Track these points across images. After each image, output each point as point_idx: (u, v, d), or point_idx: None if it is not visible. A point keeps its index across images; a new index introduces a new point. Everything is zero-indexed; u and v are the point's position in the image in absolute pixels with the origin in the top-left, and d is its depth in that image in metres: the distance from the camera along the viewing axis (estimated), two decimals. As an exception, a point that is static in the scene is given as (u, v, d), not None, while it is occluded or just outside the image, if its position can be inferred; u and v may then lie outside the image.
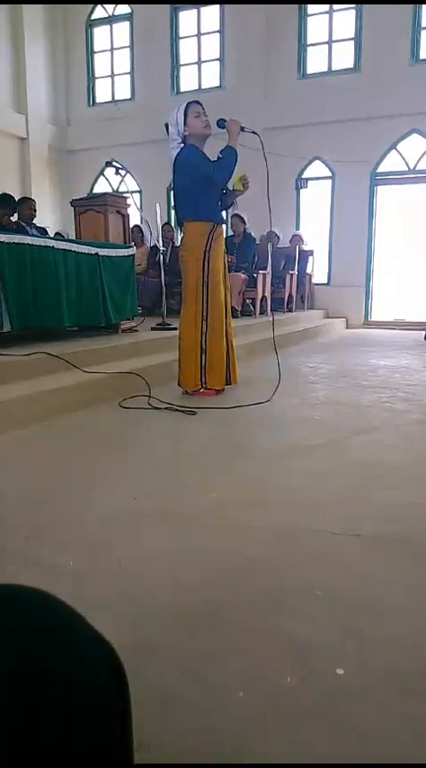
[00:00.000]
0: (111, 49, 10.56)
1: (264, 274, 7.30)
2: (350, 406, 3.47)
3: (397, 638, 1.23)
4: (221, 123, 3.49)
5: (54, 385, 3.23)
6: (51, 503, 1.98)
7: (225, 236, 3.96)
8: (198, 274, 3.57)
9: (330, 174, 9.19)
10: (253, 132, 3.50)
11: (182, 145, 3.48)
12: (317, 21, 8.98)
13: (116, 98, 10.58)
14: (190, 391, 3.69)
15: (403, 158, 8.75)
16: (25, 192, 9.08)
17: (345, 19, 8.77)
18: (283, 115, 8.94)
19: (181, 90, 9.96)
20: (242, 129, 3.47)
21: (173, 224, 8.08)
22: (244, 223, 7.33)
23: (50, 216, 9.97)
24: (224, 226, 3.74)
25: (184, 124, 3.44)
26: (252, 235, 7.53)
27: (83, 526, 1.78)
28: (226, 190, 3.65)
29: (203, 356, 3.64)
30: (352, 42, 8.73)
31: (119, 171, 5.88)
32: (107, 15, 10.49)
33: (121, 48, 10.42)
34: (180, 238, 3.91)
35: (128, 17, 10.20)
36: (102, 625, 0.51)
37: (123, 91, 10.52)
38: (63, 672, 0.44)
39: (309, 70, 9.12)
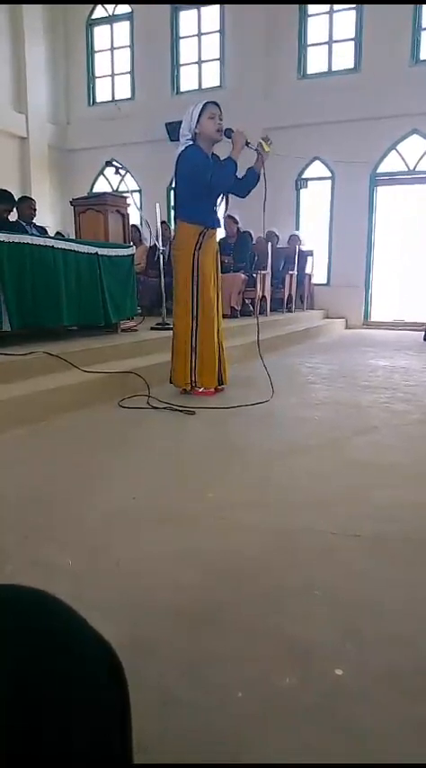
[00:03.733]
0: (112, 49, 10.56)
1: (264, 274, 7.30)
2: (349, 407, 3.47)
3: (397, 637, 1.22)
4: (228, 133, 3.47)
5: (53, 384, 3.23)
6: (50, 502, 1.97)
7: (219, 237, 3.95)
8: (188, 274, 3.57)
9: (330, 175, 9.19)
10: (257, 150, 3.50)
11: (190, 142, 3.47)
12: (317, 21, 8.98)
13: (116, 98, 10.57)
14: (187, 390, 3.69)
15: (403, 159, 8.75)
16: (25, 191, 9.07)
17: (345, 19, 8.77)
18: (283, 115, 8.94)
19: (182, 90, 9.96)
20: (246, 143, 3.46)
21: (172, 222, 8.08)
22: (237, 223, 7.32)
23: (50, 215, 9.96)
24: (218, 229, 3.73)
25: (197, 122, 3.42)
26: (251, 233, 7.51)
27: (82, 526, 1.78)
28: (244, 175, 3.56)
29: (193, 354, 3.64)
30: (353, 43, 8.73)
31: (119, 170, 5.88)
32: (107, 15, 10.49)
33: (121, 47, 10.42)
34: (173, 236, 3.91)
35: (129, 17, 10.20)
36: (102, 625, 0.51)
37: (123, 90, 10.52)
38: (63, 672, 0.44)
39: (309, 70, 9.13)
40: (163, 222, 6.19)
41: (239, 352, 4.87)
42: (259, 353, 3.91)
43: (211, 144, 3.50)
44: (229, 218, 7.26)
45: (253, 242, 7.63)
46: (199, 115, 3.41)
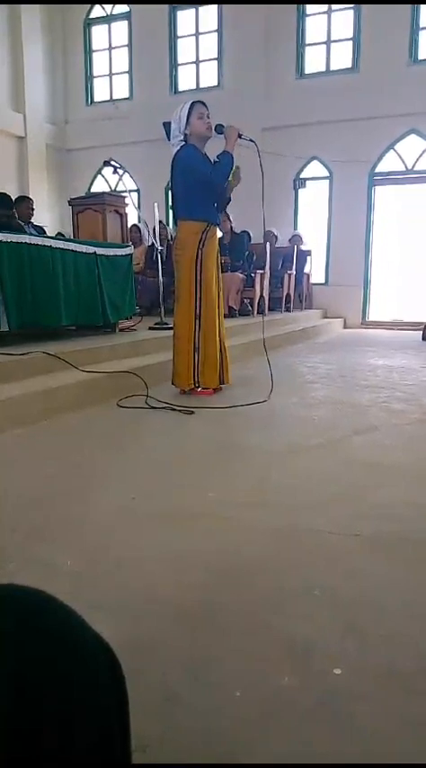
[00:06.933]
0: (110, 48, 10.55)
1: (262, 274, 7.30)
2: (348, 406, 3.47)
3: (397, 637, 1.22)
4: (219, 129, 3.49)
5: (52, 384, 3.22)
6: (50, 502, 1.97)
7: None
8: (191, 272, 3.57)
9: (328, 174, 9.19)
10: (251, 140, 3.51)
11: (183, 143, 3.48)
12: (316, 20, 8.99)
13: (114, 97, 10.57)
14: (187, 390, 3.69)
15: (402, 158, 8.76)
16: (23, 191, 9.06)
17: (344, 19, 8.78)
18: (281, 115, 8.95)
19: (180, 89, 9.96)
20: (239, 135, 3.47)
21: (170, 223, 8.07)
22: (230, 221, 7.31)
23: (48, 215, 9.95)
24: (218, 226, 3.74)
25: (187, 123, 3.45)
26: (249, 233, 7.50)
27: (81, 526, 1.78)
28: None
29: (196, 354, 3.64)
30: (351, 42, 8.74)
31: (117, 170, 5.88)
32: (105, 14, 10.48)
33: (120, 47, 10.41)
34: (174, 236, 3.91)
35: (127, 16, 10.19)
36: (101, 625, 0.51)
37: (121, 90, 10.51)
38: (62, 672, 0.44)
39: (307, 70, 9.13)
40: (160, 222, 6.18)
41: (238, 351, 4.87)
42: (265, 352, 3.91)
43: (203, 142, 3.53)
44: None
45: (251, 242, 7.62)
46: (188, 116, 3.44)
